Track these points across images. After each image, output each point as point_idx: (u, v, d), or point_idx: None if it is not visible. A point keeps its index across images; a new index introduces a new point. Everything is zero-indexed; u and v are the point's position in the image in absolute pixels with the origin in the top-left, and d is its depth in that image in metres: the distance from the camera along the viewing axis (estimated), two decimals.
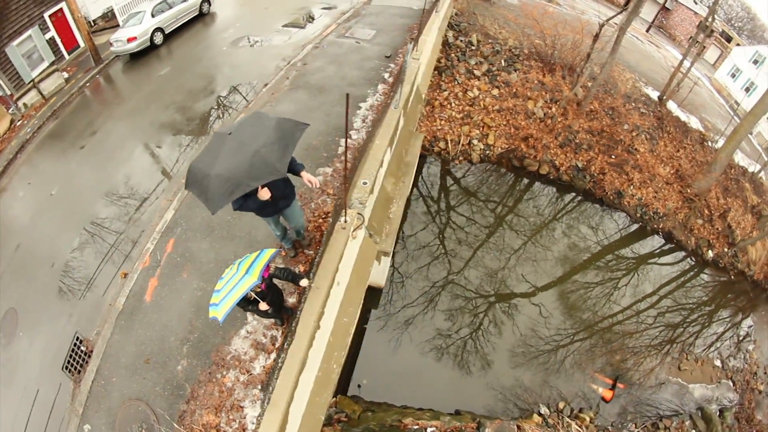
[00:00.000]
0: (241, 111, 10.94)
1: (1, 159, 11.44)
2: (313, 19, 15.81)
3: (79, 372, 6.50)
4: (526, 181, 15.77)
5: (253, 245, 7.08)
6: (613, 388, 10.97)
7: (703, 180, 15.77)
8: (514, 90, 16.19)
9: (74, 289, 7.78)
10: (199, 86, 12.43)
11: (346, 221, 5.17)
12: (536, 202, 15.23)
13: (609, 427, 10.33)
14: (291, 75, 11.82)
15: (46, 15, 14.71)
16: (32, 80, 13.98)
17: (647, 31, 36.67)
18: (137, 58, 14.61)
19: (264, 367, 5.80)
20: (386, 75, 11.47)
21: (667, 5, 40.40)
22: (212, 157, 4.23)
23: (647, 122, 17.05)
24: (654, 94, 19.10)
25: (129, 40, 14.06)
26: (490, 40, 17.41)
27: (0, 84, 13.29)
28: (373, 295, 10.81)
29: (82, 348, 6.77)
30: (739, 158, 19.58)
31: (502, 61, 16.84)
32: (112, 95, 13.63)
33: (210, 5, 17.13)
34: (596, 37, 14.94)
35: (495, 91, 16.06)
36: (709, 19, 17.92)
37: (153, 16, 14.68)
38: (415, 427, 7.57)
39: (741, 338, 13.74)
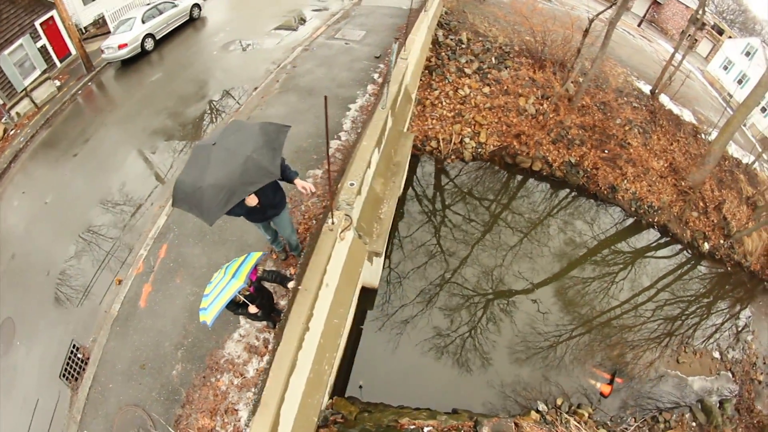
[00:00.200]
0: (232, 115, 10.96)
1: None
2: (304, 21, 15.82)
3: (77, 379, 6.52)
4: (519, 178, 15.78)
5: (244, 249, 7.10)
6: (611, 382, 10.99)
7: (697, 172, 15.81)
8: (505, 87, 16.22)
9: (70, 296, 7.80)
10: (190, 91, 12.44)
11: (333, 223, 5.19)
12: (530, 198, 15.25)
13: (608, 422, 10.33)
14: (281, 78, 11.84)
15: (37, 23, 14.73)
16: (24, 89, 13.97)
17: (639, 25, 36.73)
18: (129, 64, 14.62)
19: (257, 370, 5.84)
20: (376, 75, 11.50)
21: (658, 0, 40.47)
22: (200, 170, 4.21)
23: (640, 116, 17.09)
24: (646, 88, 19.14)
25: (120, 47, 14.06)
26: (480, 38, 17.45)
27: None
28: (368, 296, 10.83)
29: (79, 355, 6.80)
30: (733, 150, 19.63)
31: (493, 59, 16.87)
32: (104, 102, 13.64)
33: (200, 10, 17.14)
34: (586, 32, 14.99)
35: (486, 89, 16.09)
36: (700, 12, 17.96)
37: (143, 22, 14.68)
38: (412, 426, 7.58)
39: (739, 329, 13.77)
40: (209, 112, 11.61)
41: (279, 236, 6.49)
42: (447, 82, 16.09)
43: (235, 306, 4.81)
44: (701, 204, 15.82)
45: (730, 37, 37.48)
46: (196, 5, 16.86)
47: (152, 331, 6.56)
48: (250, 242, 7.24)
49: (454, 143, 15.39)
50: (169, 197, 8.75)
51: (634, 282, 13.71)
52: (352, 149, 7.67)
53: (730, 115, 17.11)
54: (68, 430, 5.96)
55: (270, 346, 5.95)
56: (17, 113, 13.50)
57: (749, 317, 14.28)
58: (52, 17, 15.11)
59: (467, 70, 16.32)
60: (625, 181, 15.43)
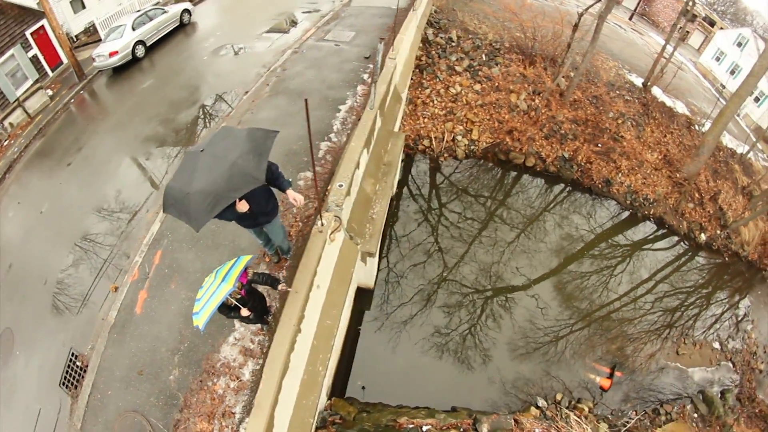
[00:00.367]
0: (223, 120, 10.97)
1: None
2: (295, 23, 15.80)
3: (76, 387, 6.53)
4: (513, 174, 15.81)
5: (237, 253, 7.10)
6: (610, 376, 11.01)
7: (691, 164, 15.85)
8: (496, 84, 16.25)
9: (68, 305, 7.80)
10: (182, 97, 12.44)
11: (322, 224, 5.21)
12: (525, 194, 15.28)
13: (609, 416, 10.34)
14: (271, 81, 11.84)
15: (27, 33, 14.73)
16: (17, 99, 13.97)
17: (630, 18, 36.78)
18: (120, 71, 14.60)
19: (253, 372, 5.86)
20: (365, 76, 11.50)
21: None
22: (188, 176, 4.27)
23: (632, 109, 17.13)
24: (638, 81, 19.18)
25: (111, 54, 14.03)
26: (470, 36, 17.47)
27: None
28: (364, 297, 10.85)
29: (78, 363, 6.81)
30: (727, 140, 19.69)
31: (483, 56, 16.90)
32: (96, 110, 13.63)
33: (191, 15, 17.12)
34: (575, 26, 15.02)
35: (477, 86, 16.12)
36: (690, 4, 18.02)
37: (134, 29, 14.65)
38: (411, 426, 7.61)
39: (739, 319, 13.80)
40: (201, 117, 11.61)
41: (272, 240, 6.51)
42: (438, 80, 16.12)
43: (227, 309, 4.84)
44: (697, 195, 15.86)
45: (721, 28, 37.51)
46: (186, 11, 16.84)
47: (149, 337, 6.58)
48: (243, 246, 7.25)
49: (447, 141, 15.42)
50: (162, 203, 8.75)
51: (632, 275, 13.74)
52: (342, 151, 7.68)
53: (723, 105, 17.15)
54: None
55: (266, 349, 5.97)
56: (10, 124, 13.50)
57: (748, 307, 14.31)
58: (42, 26, 15.11)
59: (458, 68, 16.35)
60: (620, 174, 15.47)
